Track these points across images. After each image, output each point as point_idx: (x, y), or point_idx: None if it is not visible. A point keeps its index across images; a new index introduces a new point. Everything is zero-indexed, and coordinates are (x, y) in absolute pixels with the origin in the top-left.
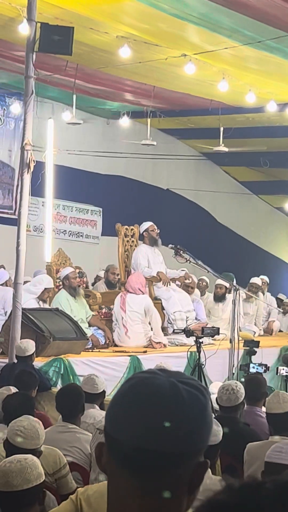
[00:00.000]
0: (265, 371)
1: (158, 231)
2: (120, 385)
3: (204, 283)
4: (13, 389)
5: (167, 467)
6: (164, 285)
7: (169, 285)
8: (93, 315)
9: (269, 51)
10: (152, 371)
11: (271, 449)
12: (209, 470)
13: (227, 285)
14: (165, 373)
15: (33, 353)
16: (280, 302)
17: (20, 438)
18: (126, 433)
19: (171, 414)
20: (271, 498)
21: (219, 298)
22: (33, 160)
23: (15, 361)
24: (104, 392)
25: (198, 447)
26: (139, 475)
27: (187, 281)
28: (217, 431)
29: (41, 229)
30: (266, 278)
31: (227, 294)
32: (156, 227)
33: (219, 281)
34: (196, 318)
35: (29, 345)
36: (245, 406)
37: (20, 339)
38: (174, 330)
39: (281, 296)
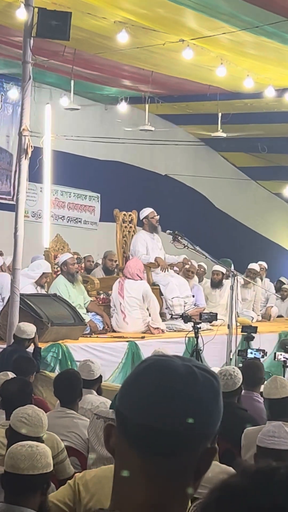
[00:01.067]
0: (262, 357)
1: (158, 217)
2: (135, 366)
3: (202, 269)
4: (11, 375)
5: (177, 448)
6: (162, 271)
7: (167, 271)
8: (91, 300)
9: (267, 36)
10: (167, 355)
11: (263, 433)
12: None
13: (224, 271)
14: (180, 358)
15: (31, 339)
16: (280, 285)
17: (24, 426)
18: (140, 412)
19: (186, 395)
20: (285, 483)
21: (216, 284)
22: (31, 146)
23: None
24: (100, 377)
25: (209, 431)
26: (148, 455)
27: (187, 266)
28: None
29: (39, 215)
30: (264, 264)
31: (224, 280)
32: (156, 214)
33: (216, 267)
34: (195, 304)
35: (29, 329)
36: (243, 391)
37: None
38: (172, 315)
39: (283, 279)
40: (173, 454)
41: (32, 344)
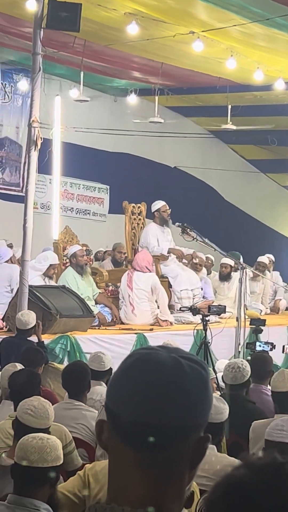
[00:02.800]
0: (271, 349)
1: (170, 211)
2: (122, 361)
3: (209, 262)
4: (19, 366)
5: (169, 441)
6: (179, 260)
7: (182, 260)
8: (99, 292)
9: (277, 28)
10: (152, 347)
11: (271, 427)
12: (215, 447)
13: (232, 264)
14: (165, 349)
15: (33, 327)
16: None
17: (30, 417)
18: (130, 408)
19: (175, 388)
20: None
21: (225, 277)
22: (41, 137)
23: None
24: (110, 369)
25: (200, 420)
26: (141, 450)
27: (194, 260)
28: (223, 408)
29: (48, 207)
30: (272, 257)
31: (232, 273)
32: (168, 208)
33: (225, 260)
34: (203, 297)
35: (30, 318)
36: (251, 384)
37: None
38: (180, 308)
39: None
40: (167, 448)
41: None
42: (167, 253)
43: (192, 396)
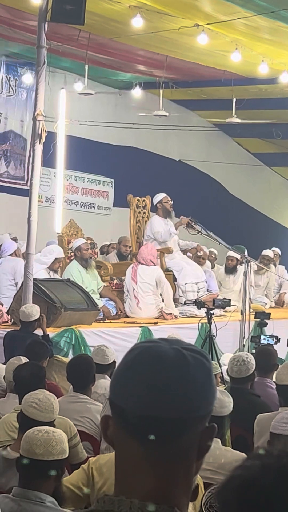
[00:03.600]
0: (276, 343)
1: (172, 202)
2: (124, 356)
3: (213, 256)
4: (24, 359)
5: (175, 433)
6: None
7: (187, 253)
8: (104, 286)
9: (282, 21)
10: (154, 340)
11: (276, 420)
12: (219, 441)
13: (238, 257)
14: (167, 342)
15: (37, 319)
16: None
17: (35, 410)
18: (135, 402)
19: (179, 380)
20: None
21: (230, 270)
22: (45, 131)
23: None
24: (114, 362)
25: (206, 410)
26: (148, 444)
27: (199, 253)
28: (228, 402)
29: (53, 200)
30: (278, 250)
31: (238, 266)
32: (169, 199)
33: (230, 253)
34: (208, 290)
35: (34, 310)
36: (256, 377)
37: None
38: (185, 301)
39: None
40: (174, 440)
41: (40, 329)
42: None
43: (196, 387)
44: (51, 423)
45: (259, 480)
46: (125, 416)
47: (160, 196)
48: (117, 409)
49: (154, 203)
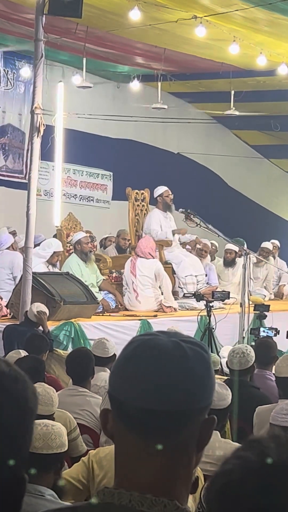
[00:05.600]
0: (275, 335)
1: (172, 196)
2: (122, 349)
3: (214, 247)
4: (23, 353)
5: (175, 425)
6: (183, 246)
7: (185, 246)
8: (103, 279)
9: (280, 13)
10: (152, 333)
11: (276, 411)
12: (218, 433)
13: (237, 249)
14: (165, 334)
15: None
16: None
17: None
18: (134, 395)
19: (178, 372)
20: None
21: (229, 263)
22: (43, 124)
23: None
24: (114, 355)
25: (205, 402)
26: (148, 437)
27: (198, 246)
28: (226, 394)
29: (52, 193)
30: (277, 243)
31: (237, 259)
32: (170, 193)
33: (229, 246)
34: (207, 283)
35: (41, 310)
36: (256, 370)
37: (31, 303)
38: (184, 294)
39: None
40: (174, 433)
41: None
42: (173, 235)
43: (196, 379)
44: (50, 417)
45: (239, 481)
46: (124, 409)
47: (161, 190)
48: (117, 402)
49: (155, 196)
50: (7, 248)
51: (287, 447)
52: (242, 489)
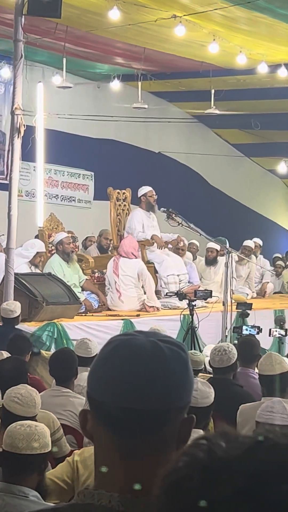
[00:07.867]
0: (258, 333)
1: (156, 197)
2: (100, 349)
3: (194, 247)
4: (5, 354)
5: (154, 425)
6: (159, 249)
7: (164, 248)
8: (86, 279)
9: (259, 11)
10: (130, 333)
11: (262, 409)
12: (201, 432)
13: (218, 248)
14: (143, 334)
15: (19, 315)
16: (275, 261)
17: (17, 405)
18: (113, 395)
19: (156, 372)
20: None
21: (211, 261)
22: (24, 125)
23: (0, 323)
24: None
25: (184, 402)
26: (127, 437)
27: (180, 244)
28: (209, 393)
29: (33, 194)
30: (259, 241)
31: (218, 257)
32: (154, 193)
33: (210, 245)
34: (189, 281)
35: (14, 307)
36: (239, 368)
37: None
38: (167, 293)
39: (278, 255)
40: (153, 432)
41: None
42: (151, 239)
43: (174, 378)
44: (33, 418)
45: (186, 476)
46: (103, 410)
47: (145, 189)
48: (95, 403)
49: (138, 196)
50: None
51: (236, 444)
52: (189, 483)
